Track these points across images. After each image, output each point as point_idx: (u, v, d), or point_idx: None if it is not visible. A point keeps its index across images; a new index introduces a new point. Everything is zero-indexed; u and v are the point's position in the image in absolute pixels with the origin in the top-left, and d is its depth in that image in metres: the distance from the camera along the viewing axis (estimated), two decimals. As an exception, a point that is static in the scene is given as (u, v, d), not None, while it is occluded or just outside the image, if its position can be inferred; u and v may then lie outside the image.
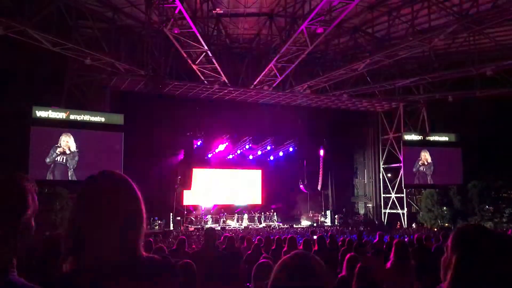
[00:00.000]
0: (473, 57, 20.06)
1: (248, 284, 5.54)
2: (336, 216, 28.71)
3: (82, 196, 1.57)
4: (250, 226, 26.63)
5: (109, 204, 1.53)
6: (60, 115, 19.67)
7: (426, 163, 26.58)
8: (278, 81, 21.72)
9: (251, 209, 29.01)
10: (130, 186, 1.63)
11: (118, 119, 21.06)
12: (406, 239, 12.61)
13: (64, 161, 19.58)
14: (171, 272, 1.61)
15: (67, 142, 19.77)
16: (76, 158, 19.89)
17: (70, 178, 19.66)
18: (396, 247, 5.80)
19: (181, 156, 25.76)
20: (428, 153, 26.65)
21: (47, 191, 18.66)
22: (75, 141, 20.00)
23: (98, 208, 1.51)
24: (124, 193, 1.59)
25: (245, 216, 27.82)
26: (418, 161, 26.51)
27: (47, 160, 19.21)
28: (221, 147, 27.96)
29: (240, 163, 30.27)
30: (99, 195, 1.54)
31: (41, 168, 18.96)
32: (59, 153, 19.50)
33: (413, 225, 26.40)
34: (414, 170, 26.41)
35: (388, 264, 5.61)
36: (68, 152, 19.69)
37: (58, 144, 19.58)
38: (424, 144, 26.72)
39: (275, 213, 28.54)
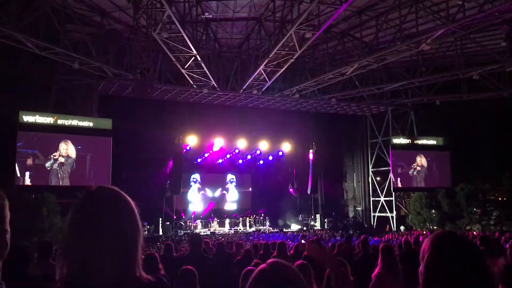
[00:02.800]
0: (460, 62, 20.31)
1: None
2: (325, 220, 28.77)
3: (79, 214, 1.55)
4: (240, 230, 26.60)
5: (107, 223, 1.51)
6: (47, 120, 19.48)
7: (420, 167, 26.81)
8: (267, 86, 21.76)
9: (240, 213, 28.96)
10: (128, 204, 1.60)
11: (106, 123, 20.92)
12: (395, 243, 12.65)
13: (58, 167, 19.49)
14: None
15: (67, 150, 19.69)
16: (73, 165, 19.84)
17: (61, 183, 19.56)
18: (383, 253, 5.38)
19: (170, 161, 25.64)
20: (423, 157, 26.89)
21: (34, 197, 18.47)
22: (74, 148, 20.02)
23: (95, 227, 1.49)
24: (122, 212, 1.57)
25: (235, 220, 27.79)
26: (413, 165, 26.75)
27: (47, 164, 19.21)
28: (213, 150, 27.77)
29: (229, 167, 30.22)
30: (97, 214, 1.52)
31: (28, 174, 18.77)
32: (55, 159, 19.41)
33: (401, 227, 26.56)
34: (410, 173, 26.64)
35: (376, 272, 5.28)
36: (63, 159, 19.59)
37: (58, 151, 19.51)
38: (412, 148, 26.95)
39: (267, 218, 28.53)
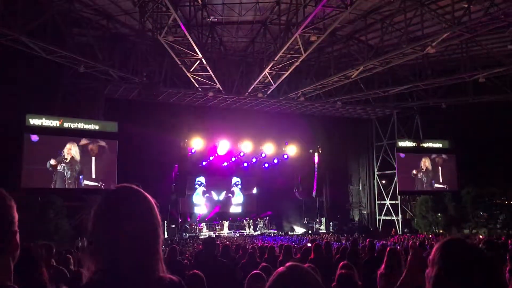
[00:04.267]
0: (466, 64, 20.22)
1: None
2: (331, 223, 28.68)
3: (103, 211, 1.60)
4: (245, 233, 26.57)
5: (132, 221, 1.55)
6: (53, 123, 19.60)
7: (426, 170, 26.75)
8: (272, 89, 21.76)
9: (246, 216, 28.93)
10: (149, 201, 1.65)
11: (112, 126, 21.01)
12: (398, 247, 12.57)
13: (63, 169, 19.63)
14: None
15: (70, 150, 19.82)
16: (77, 166, 19.97)
17: (66, 186, 19.72)
18: (389, 255, 5.52)
19: (175, 164, 25.68)
20: (428, 159, 26.82)
21: (40, 199, 18.54)
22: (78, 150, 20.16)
23: (120, 225, 1.53)
24: (145, 209, 1.61)
25: (240, 223, 27.77)
26: (420, 167, 26.70)
27: (48, 165, 19.36)
28: (218, 153, 27.70)
29: (234, 170, 30.19)
30: (121, 212, 1.57)
31: (34, 176, 18.87)
32: (60, 161, 19.60)
33: (405, 230, 26.45)
34: (418, 176, 26.60)
35: (378, 273, 5.31)
36: (68, 160, 19.73)
37: (62, 152, 19.69)
38: (418, 151, 26.85)
39: (268, 221, 28.51)
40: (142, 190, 1.67)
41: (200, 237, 23.65)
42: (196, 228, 26.46)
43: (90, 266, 1.54)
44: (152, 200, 1.67)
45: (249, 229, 27.63)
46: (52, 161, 19.30)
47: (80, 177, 19.98)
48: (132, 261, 1.50)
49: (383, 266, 5.33)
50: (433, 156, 26.98)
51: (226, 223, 27.36)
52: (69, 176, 19.75)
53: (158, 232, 1.61)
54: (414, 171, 26.63)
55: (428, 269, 1.77)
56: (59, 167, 19.48)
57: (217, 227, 26.98)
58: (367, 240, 9.13)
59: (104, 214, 1.59)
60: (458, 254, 1.72)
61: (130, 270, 1.49)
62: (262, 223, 28.35)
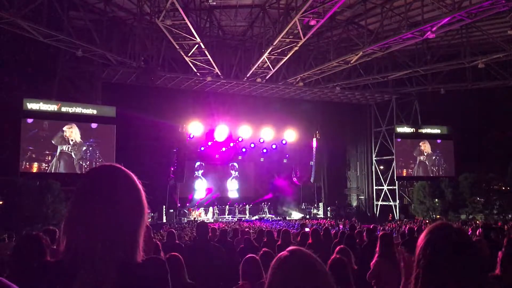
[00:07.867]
0: (465, 50, 20.13)
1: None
2: (328, 208, 28.82)
3: (80, 189, 1.53)
4: (243, 218, 26.69)
5: (107, 198, 1.47)
6: (51, 107, 19.53)
7: (426, 155, 26.89)
8: (271, 74, 21.66)
9: (243, 201, 29.01)
10: (129, 179, 1.56)
11: (110, 111, 20.95)
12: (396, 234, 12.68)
13: (68, 151, 19.81)
14: (158, 277, 1.54)
15: (71, 133, 19.89)
16: (83, 148, 20.18)
17: (69, 170, 19.95)
18: (381, 240, 5.33)
19: (174, 148, 25.67)
20: (427, 143, 26.91)
21: (39, 184, 18.55)
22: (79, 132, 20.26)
23: (94, 202, 1.46)
24: (120, 188, 1.52)
25: (238, 208, 27.86)
26: (419, 152, 26.83)
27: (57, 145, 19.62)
28: (215, 138, 27.68)
29: (233, 155, 30.19)
30: (97, 189, 1.49)
31: (32, 160, 18.89)
32: (64, 144, 19.79)
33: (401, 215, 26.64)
34: (416, 161, 26.74)
35: (374, 260, 5.22)
36: (71, 143, 19.82)
37: (64, 135, 19.81)
38: (416, 137, 26.90)
39: (266, 206, 28.62)
40: (124, 169, 1.58)
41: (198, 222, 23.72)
42: (195, 212, 26.54)
43: (61, 244, 1.47)
44: (135, 179, 1.58)
45: (246, 214, 27.72)
46: (55, 140, 19.44)
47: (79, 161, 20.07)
48: (103, 242, 1.41)
49: (376, 253, 5.28)
50: (431, 142, 27.08)
51: (210, 209, 27.43)
52: (75, 158, 19.88)
53: (137, 212, 1.52)
54: (413, 156, 26.75)
55: (416, 255, 1.76)
56: (64, 149, 19.57)
57: (216, 212, 27.08)
58: (372, 226, 9.20)
59: (80, 191, 1.52)
60: (445, 238, 1.71)
61: (99, 252, 1.41)
62: (265, 208, 28.50)
